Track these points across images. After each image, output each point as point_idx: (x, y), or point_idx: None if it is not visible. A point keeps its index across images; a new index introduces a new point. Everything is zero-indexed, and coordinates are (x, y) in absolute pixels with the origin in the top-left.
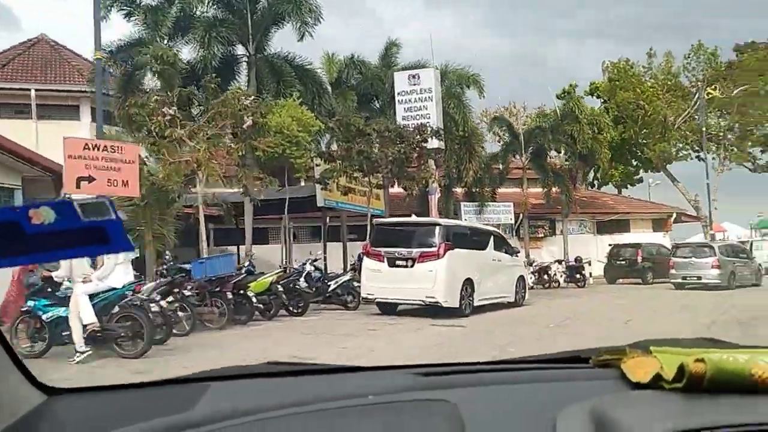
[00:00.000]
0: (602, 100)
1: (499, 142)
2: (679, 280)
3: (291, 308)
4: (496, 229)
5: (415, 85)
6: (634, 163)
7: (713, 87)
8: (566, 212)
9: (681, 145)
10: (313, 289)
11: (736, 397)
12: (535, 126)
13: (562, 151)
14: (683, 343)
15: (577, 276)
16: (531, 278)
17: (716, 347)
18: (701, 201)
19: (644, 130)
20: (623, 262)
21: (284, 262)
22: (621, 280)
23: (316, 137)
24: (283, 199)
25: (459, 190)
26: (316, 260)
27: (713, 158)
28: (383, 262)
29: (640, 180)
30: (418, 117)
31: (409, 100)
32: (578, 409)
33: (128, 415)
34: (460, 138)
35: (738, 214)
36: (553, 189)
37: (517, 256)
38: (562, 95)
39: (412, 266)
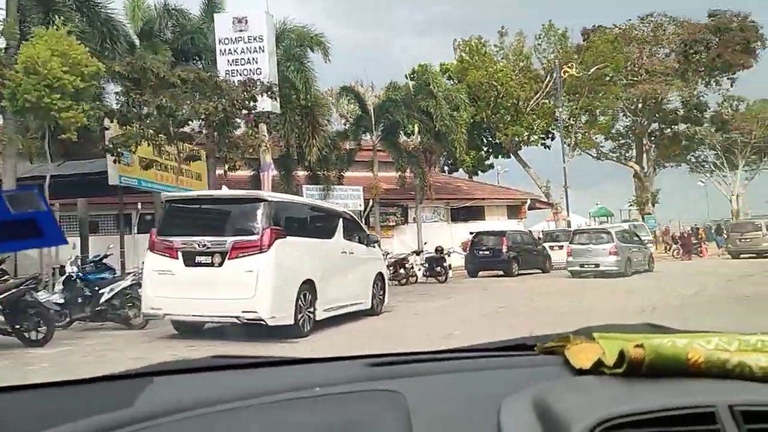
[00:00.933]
0: (454, 81)
1: (345, 124)
2: (577, 268)
3: (25, 335)
4: (347, 211)
5: (241, 31)
6: (486, 148)
7: (569, 65)
8: (420, 197)
9: (533, 129)
10: (78, 300)
11: (673, 380)
12: (387, 99)
13: (416, 130)
14: (627, 329)
15: (438, 269)
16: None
17: (658, 332)
18: (552, 188)
19: (497, 113)
20: (487, 252)
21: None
22: (483, 273)
23: (100, 88)
24: (69, 176)
25: (302, 173)
26: (102, 258)
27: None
28: (177, 258)
29: (491, 166)
30: (245, 72)
31: (235, 50)
32: (521, 397)
33: (60, 414)
34: (301, 108)
35: (576, 203)
36: (407, 174)
37: (375, 246)
38: (412, 75)
39: (220, 265)
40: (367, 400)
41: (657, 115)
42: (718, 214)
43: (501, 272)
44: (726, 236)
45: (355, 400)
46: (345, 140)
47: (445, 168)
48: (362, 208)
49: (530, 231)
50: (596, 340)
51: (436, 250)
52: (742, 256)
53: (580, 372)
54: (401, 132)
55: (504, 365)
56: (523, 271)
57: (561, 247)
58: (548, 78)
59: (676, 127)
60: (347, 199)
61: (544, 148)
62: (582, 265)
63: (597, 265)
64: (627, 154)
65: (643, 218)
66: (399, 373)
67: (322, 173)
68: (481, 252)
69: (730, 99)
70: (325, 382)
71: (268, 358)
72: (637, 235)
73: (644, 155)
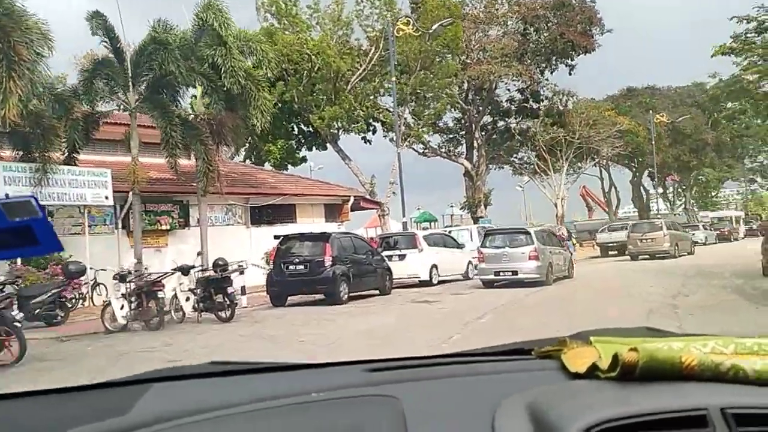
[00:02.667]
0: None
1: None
2: (490, 277)
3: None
4: None
5: None
6: (297, 136)
7: (405, 21)
8: (204, 189)
9: (355, 112)
10: None
11: (666, 384)
12: (152, 39)
13: (200, 92)
14: (625, 333)
15: (219, 299)
16: (122, 309)
17: (654, 336)
18: (377, 186)
19: (311, 93)
20: (301, 267)
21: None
22: (295, 298)
23: None
24: None
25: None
26: None
27: (387, 138)
28: None
29: (304, 159)
30: None
31: None
32: (516, 401)
33: (61, 421)
34: None
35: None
36: (188, 158)
37: None
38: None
39: None
40: (364, 405)
41: (490, 106)
42: (540, 219)
43: (324, 297)
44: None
45: (352, 405)
46: (77, 100)
47: (249, 160)
48: (112, 204)
49: (361, 236)
50: (593, 344)
51: (216, 266)
52: (640, 257)
53: (576, 376)
54: (177, 94)
55: (500, 370)
56: (357, 293)
57: (402, 257)
58: (374, 50)
59: (510, 119)
60: (84, 187)
61: (365, 142)
62: (497, 273)
63: (515, 273)
64: (457, 150)
65: (475, 223)
66: (395, 378)
67: (38, 146)
68: (291, 267)
69: (559, 93)
70: (321, 388)
71: (266, 363)
72: (557, 236)
73: (475, 151)
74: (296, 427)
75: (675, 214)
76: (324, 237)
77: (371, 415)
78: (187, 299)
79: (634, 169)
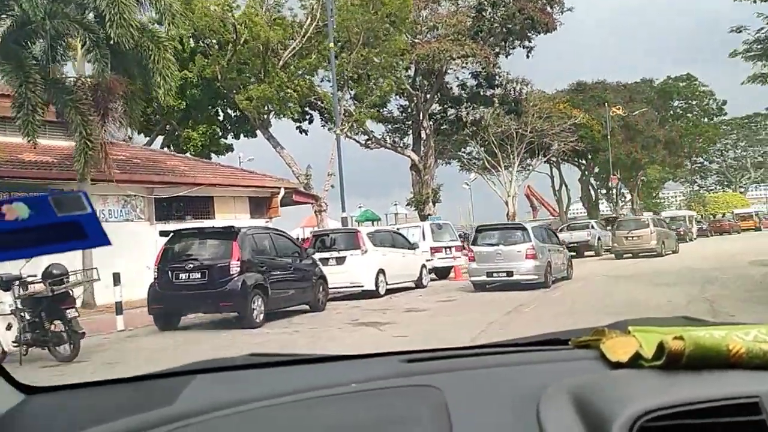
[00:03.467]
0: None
1: None
2: (482, 278)
3: None
4: None
5: None
6: (222, 121)
7: None
8: (82, 174)
9: (287, 93)
10: None
11: (713, 372)
12: None
13: (80, 48)
14: (660, 322)
15: (55, 327)
16: None
17: (692, 325)
18: (315, 179)
19: (238, 69)
20: (197, 276)
21: None
22: (192, 317)
23: None
24: None
25: None
26: None
27: (325, 127)
28: None
29: (230, 148)
30: None
31: None
32: (560, 391)
33: (110, 411)
34: None
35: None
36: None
37: None
38: None
39: None
40: (404, 396)
41: (439, 93)
42: (486, 220)
43: (235, 315)
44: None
45: (392, 395)
46: None
47: (168, 148)
48: None
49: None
50: (632, 334)
51: (47, 277)
52: (625, 256)
53: (617, 366)
54: (56, 51)
55: (540, 360)
56: (278, 311)
57: (341, 261)
58: (310, 20)
59: (461, 108)
60: None
61: (301, 132)
62: (490, 274)
63: (510, 274)
64: (403, 141)
65: (424, 220)
66: (435, 368)
67: None
68: (183, 275)
69: (513, 82)
70: (361, 378)
71: (304, 355)
72: (555, 233)
73: (423, 142)
74: (337, 418)
75: (621, 214)
76: (230, 233)
77: (412, 406)
78: (8, 328)
79: (582, 167)
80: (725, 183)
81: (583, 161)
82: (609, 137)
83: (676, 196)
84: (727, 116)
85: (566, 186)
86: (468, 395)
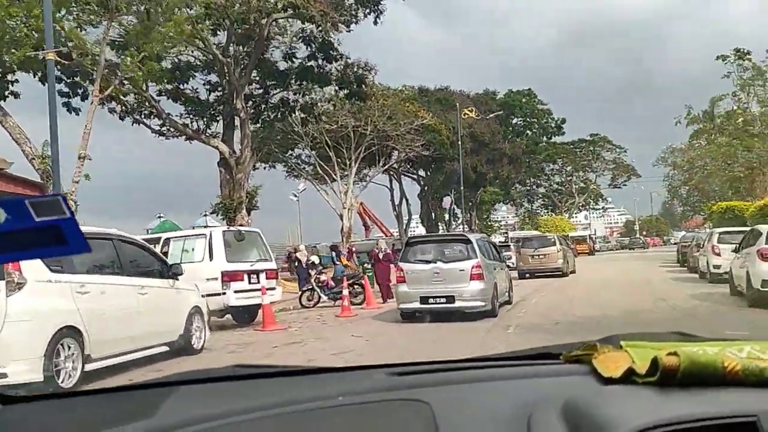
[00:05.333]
0: None
1: None
2: (415, 305)
3: None
4: None
5: None
6: None
7: None
8: None
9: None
10: None
11: (709, 389)
12: None
13: None
14: (652, 337)
15: None
16: None
17: (684, 340)
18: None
19: None
20: None
21: None
22: None
23: None
24: None
25: None
26: None
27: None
28: None
29: None
30: None
31: None
32: (551, 406)
33: (87, 423)
34: None
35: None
36: None
37: None
38: None
39: None
40: (392, 410)
41: (260, 68)
42: (314, 238)
43: None
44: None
45: (380, 409)
46: None
47: None
48: None
49: None
50: (624, 349)
51: None
52: (527, 276)
53: (609, 381)
54: None
55: (530, 374)
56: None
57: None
58: None
59: (289, 88)
60: None
61: (70, 111)
62: (425, 299)
63: (450, 299)
64: (213, 130)
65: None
66: (424, 382)
67: None
68: None
69: (354, 66)
70: (348, 392)
71: (291, 367)
72: (496, 246)
73: (237, 131)
74: (321, 431)
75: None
76: None
77: (400, 420)
78: None
79: (422, 182)
80: (550, 207)
81: (425, 173)
82: (460, 142)
83: (506, 219)
84: (565, 135)
85: (407, 200)
86: (456, 409)
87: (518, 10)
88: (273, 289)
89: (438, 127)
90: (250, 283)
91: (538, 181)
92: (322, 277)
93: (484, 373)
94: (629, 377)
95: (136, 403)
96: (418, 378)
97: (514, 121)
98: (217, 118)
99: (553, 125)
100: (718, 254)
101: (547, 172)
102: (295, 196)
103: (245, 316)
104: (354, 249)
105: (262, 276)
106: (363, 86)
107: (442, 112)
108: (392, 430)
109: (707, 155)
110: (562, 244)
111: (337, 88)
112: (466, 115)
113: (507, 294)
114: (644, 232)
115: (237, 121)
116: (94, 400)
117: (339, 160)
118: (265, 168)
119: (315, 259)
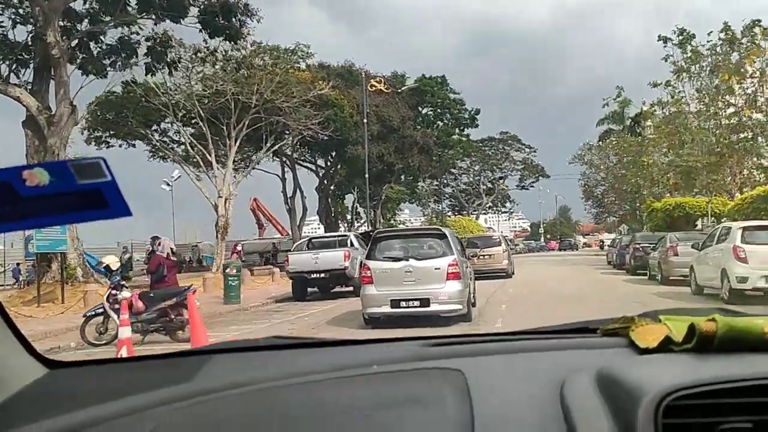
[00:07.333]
0: None
1: None
2: (384, 309)
3: None
4: None
5: None
6: None
7: None
8: None
9: None
10: None
11: (747, 354)
12: None
13: None
14: (693, 312)
15: None
16: None
17: (731, 316)
18: None
19: None
20: None
21: None
22: None
23: None
24: None
25: None
26: None
27: None
28: None
29: None
30: None
31: None
32: (584, 374)
33: (130, 387)
34: None
35: None
36: None
37: None
38: None
39: None
40: (425, 378)
41: None
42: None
43: None
44: None
45: (413, 377)
46: None
47: None
48: None
49: None
50: (662, 322)
51: None
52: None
53: (646, 352)
54: None
55: (565, 346)
56: None
57: None
58: None
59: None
60: None
61: None
62: (396, 303)
63: (425, 302)
64: (22, 77)
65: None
66: (458, 352)
67: None
68: None
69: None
70: (383, 361)
71: (327, 339)
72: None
73: (53, 83)
74: (357, 399)
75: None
76: None
77: (433, 387)
78: None
79: (322, 173)
80: (458, 208)
81: (324, 163)
82: (366, 120)
83: (411, 219)
84: (479, 127)
85: (302, 193)
86: (490, 378)
87: (424, 18)
88: None
89: (339, 101)
90: None
91: (446, 180)
92: (123, 294)
93: (518, 345)
94: (666, 347)
95: (175, 369)
96: (452, 349)
97: (425, 111)
98: (29, 64)
99: (466, 116)
100: (744, 259)
101: (454, 171)
102: (168, 185)
103: None
104: (240, 249)
105: None
106: (233, 21)
107: (345, 88)
108: (425, 396)
109: (624, 152)
110: (507, 245)
111: (199, 25)
112: (374, 87)
113: (473, 296)
114: (548, 236)
115: (54, 66)
116: (134, 367)
117: (216, 138)
118: (121, 146)
119: (111, 261)
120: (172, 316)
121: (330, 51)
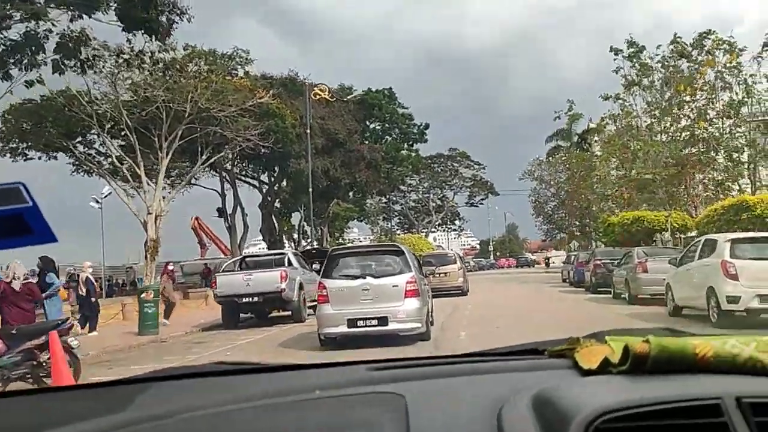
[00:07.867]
0: None
1: None
2: (341, 329)
3: None
4: None
5: None
6: None
7: None
8: None
9: None
10: None
11: (679, 375)
12: None
13: None
14: (644, 333)
15: None
16: None
17: (676, 336)
18: None
19: None
20: None
21: None
22: None
23: None
24: None
25: None
26: None
27: None
28: None
29: None
30: None
31: None
32: (523, 397)
33: (63, 417)
34: None
35: None
36: None
37: None
38: None
39: None
40: (367, 403)
41: None
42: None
43: None
44: None
45: (355, 402)
46: None
47: None
48: None
49: None
50: (607, 342)
51: None
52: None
53: (588, 373)
54: None
55: (509, 368)
56: None
57: None
58: None
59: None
60: None
61: None
62: (353, 323)
63: (383, 321)
64: None
65: None
66: (400, 376)
67: None
68: None
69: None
70: (325, 386)
71: (270, 364)
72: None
73: None
74: (299, 424)
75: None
76: None
77: (374, 412)
78: None
79: (265, 189)
80: (407, 225)
81: (268, 178)
82: (309, 130)
83: (360, 237)
84: (428, 143)
85: (243, 210)
86: (430, 402)
87: (370, 36)
88: None
89: (281, 110)
90: None
91: (395, 197)
92: None
93: (462, 368)
94: (606, 368)
95: (112, 398)
96: (395, 372)
97: (372, 125)
98: None
99: (415, 131)
100: (735, 275)
101: (403, 188)
102: (98, 202)
103: None
104: (172, 269)
105: None
106: (151, 13)
107: (288, 98)
108: (366, 421)
109: (574, 167)
110: (463, 263)
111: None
112: (318, 96)
113: (431, 315)
114: (497, 254)
115: None
116: (68, 396)
117: (147, 151)
118: (40, 158)
119: None
120: (41, 359)
121: (274, 65)
